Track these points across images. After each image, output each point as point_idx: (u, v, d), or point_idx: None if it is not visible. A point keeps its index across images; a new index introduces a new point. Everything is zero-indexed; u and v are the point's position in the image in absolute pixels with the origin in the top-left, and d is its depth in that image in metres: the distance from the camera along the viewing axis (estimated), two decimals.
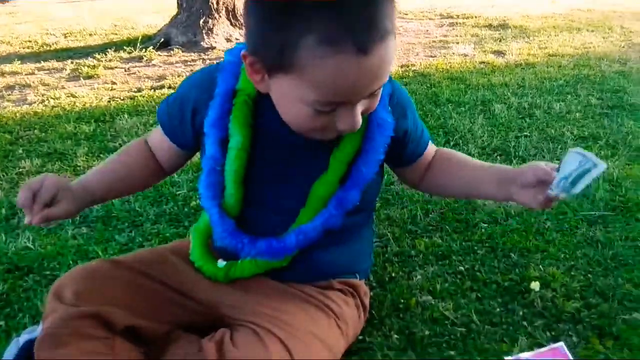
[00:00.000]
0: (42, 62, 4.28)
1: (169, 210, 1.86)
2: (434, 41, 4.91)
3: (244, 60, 0.93)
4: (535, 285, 1.37)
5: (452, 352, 1.17)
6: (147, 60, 4.32)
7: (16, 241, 1.67)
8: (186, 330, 1.09)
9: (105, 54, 4.45)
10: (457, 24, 5.71)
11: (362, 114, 0.94)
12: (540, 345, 1.17)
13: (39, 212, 0.99)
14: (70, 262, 1.55)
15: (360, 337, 1.22)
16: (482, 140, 2.42)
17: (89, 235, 1.71)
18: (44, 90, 3.49)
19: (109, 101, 3.23)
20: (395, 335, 1.23)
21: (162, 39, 4.72)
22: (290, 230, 1.06)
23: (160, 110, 1.19)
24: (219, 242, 1.10)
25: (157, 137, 1.22)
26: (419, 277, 1.44)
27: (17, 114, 2.99)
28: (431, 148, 1.22)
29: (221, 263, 1.10)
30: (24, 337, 1.14)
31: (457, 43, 4.72)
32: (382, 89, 0.97)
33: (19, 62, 4.24)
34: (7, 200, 1.95)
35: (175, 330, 1.08)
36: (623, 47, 4.39)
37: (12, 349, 1.12)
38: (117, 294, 1.03)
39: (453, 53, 4.35)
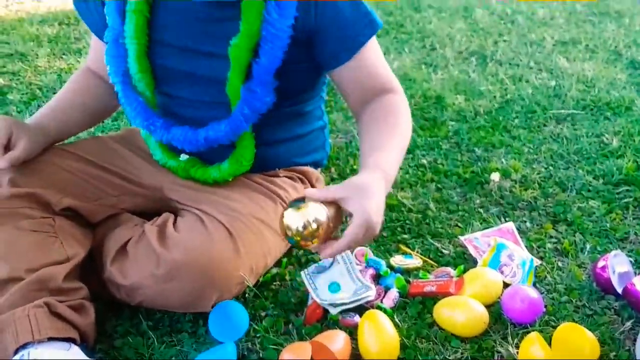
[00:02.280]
0: None
1: None
2: None
3: None
4: (495, 176, 1.36)
5: (405, 236, 1.18)
6: None
7: None
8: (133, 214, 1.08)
9: None
10: None
11: None
12: None
13: (2, 157, 0.94)
14: None
15: None
16: (460, 44, 2.35)
17: None
18: None
19: None
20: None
21: None
22: (207, 125, 1.00)
23: (76, 4, 1.07)
24: (132, 122, 1.04)
25: (92, 54, 1.13)
26: None
27: None
28: (384, 76, 1.03)
29: (183, 157, 1.07)
30: None
31: None
32: None
33: None
34: None
35: (123, 214, 1.07)
36: None
37: None
38: (54, 177, 1.00)
39: None
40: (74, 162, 1.05)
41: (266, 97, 0.97)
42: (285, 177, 1.12)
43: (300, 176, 1.15)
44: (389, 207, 1.27)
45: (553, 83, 1.92)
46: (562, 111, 1.72)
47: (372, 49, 1.01)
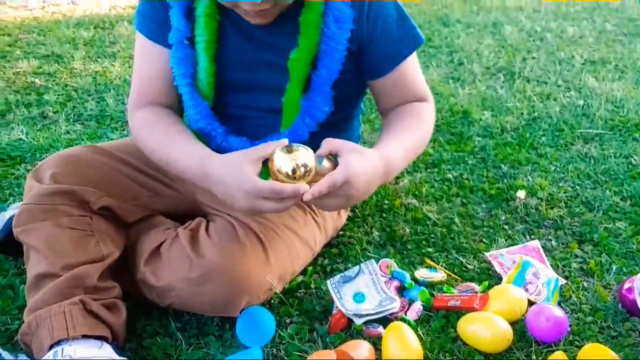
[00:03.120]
0: None
1: None
2: None
3: None
4: (521, 193, 1.36)
5: (430, 249, 1.19)
6: None
7: (10, 133, 1.68)
8: (166, 216, 1.10)
9: None
10: None
11: None
12: None
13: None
14: None
15: (341, 233, 1.23)
16: (488, 60, 2.36)
17: (82, 131, 1.72)
18: None
19: (109, 9, 3.16)
20: (376, 232, 1.24)
21: None
22: (267, 137, 1.01)
23: (138, 21, 1.04)
24: (192, 125, 1.06)
25: (146, 85, 1.05)
26: (405, 181, 1.44)
27: (17, 19, 2.95)
28: (419, 88, 1.08)
29: None
30: (9, 213, 1.16)
31: None
32: None
33: None
34: (3, 97, 1.95)
35: (157, 216, 1.09)
36: None
37: None
38: (92, 176, 1.03)
39: None
40: (112, 161, 1.07)
41: (325, 107, 1.01)
42: None
43: None
44: (414, 220, 1.28)
45: (581, 102, 1.92)
46: (590, 131, 1.72)
47: (412, 62, 1.07)
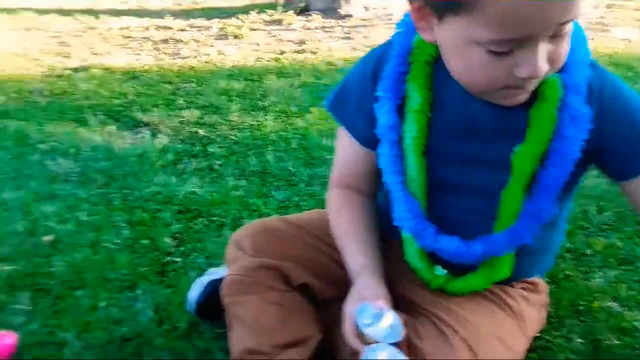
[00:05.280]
0: (191, 19, 4.49)
1: (320, 173, 1.86)
2: (589, 22, 4.52)
3: (410, 6, 0.82)
4: None
5: None
6: (287, 24, 4.38)
7: (184, 185, 1.76)
8: None
9: (248, 15, 4.58)
10: (615, 5, 5.21)
11: (551, 62, 0.77)
12: None
13: None
14: (235, 211, 1.61)
15: (538, 335, 1.13)
16: None
17: (248, 188, 1.77)
18: (195, 46, 3.66)
19: (255, 61, 3.31)
20: (578, 339, 1.13)
21: (302, 4, 4.78)
22: (480, 237, 0.94)
23: (341, 114, 1.03)
24: (400, 223, 0.98)
25: (346, 168, 1.07)
26: (598, 279, 1.32)
27: (175, 67, 3.16)
28: None
29: (440, 271, 1.00)
30: (206, 278, 1.19)
31: (618, 26, 4.31)
32: (580, 72, 0.85)
33: (172, 17, 4.48)
34: (173, 146, 2.06)
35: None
36: None
37: (197, 288, 1.17)
38: (292, 251, 1.03)
39: (614, 37, 3.97)
40: (307, 236, 1.07)
41: (550, 208, 0.92)
42: (520, 288, 1.06)
43: (532, 287, 1.09)
44: (620, 329, 1.16)
45: None
46: None
47: None
